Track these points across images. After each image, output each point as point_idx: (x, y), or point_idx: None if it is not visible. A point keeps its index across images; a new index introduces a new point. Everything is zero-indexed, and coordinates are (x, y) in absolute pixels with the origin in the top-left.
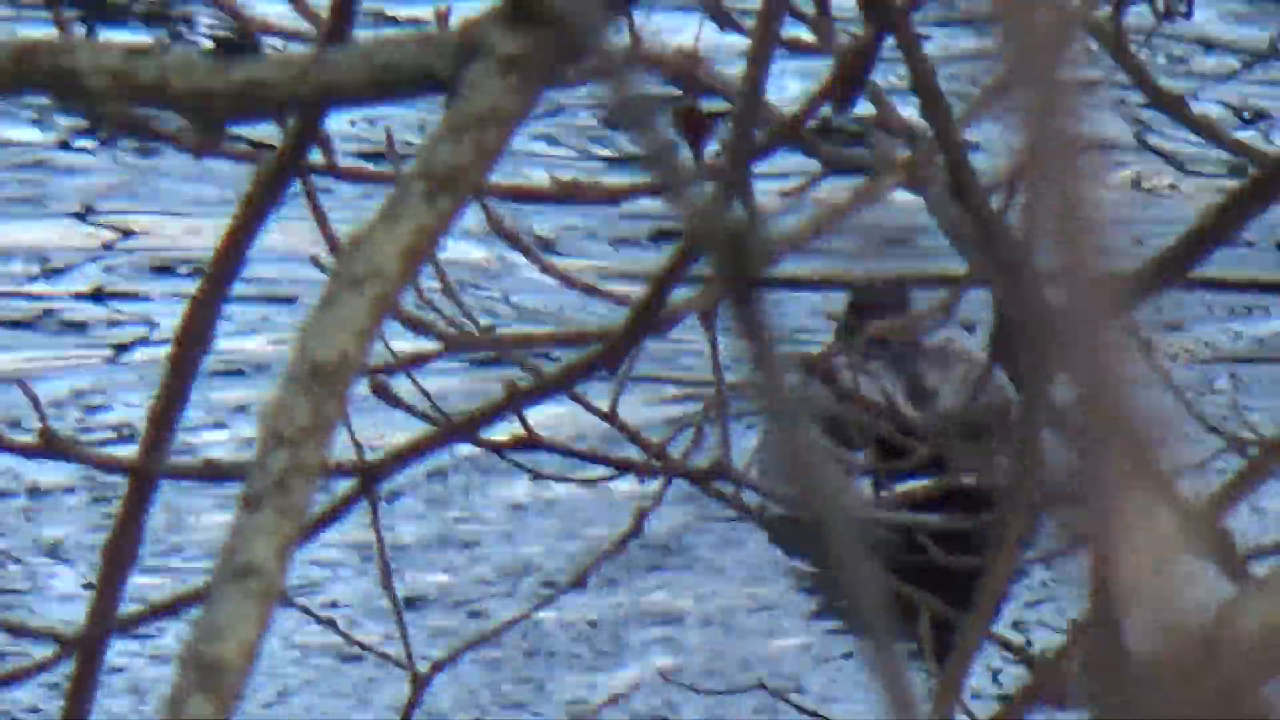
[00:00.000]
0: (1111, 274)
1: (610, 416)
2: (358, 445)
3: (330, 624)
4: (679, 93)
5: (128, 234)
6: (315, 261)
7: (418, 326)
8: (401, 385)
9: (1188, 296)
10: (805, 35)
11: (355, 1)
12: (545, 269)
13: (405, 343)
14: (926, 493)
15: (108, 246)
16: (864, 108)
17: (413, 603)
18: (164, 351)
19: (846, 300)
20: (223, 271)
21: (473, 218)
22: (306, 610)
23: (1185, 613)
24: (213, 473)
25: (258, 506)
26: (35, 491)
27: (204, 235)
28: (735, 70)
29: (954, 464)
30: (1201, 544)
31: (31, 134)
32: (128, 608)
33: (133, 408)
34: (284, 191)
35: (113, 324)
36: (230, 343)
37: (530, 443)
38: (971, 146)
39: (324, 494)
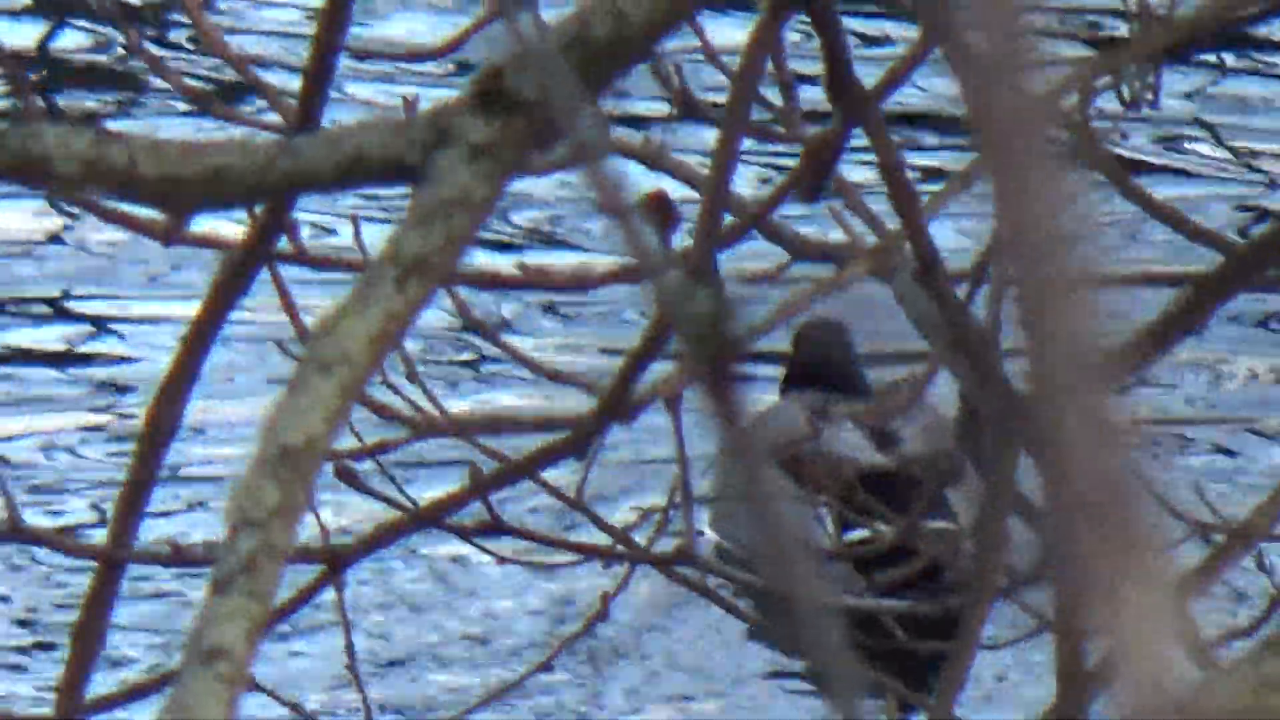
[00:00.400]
0: (1085, 355)
1: (577, 503)
2: (324, 530)
3: (295, 708)
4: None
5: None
6: (282, 348)
7: (384, 412)
8: (364, 467)
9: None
10: (773, 125)
11: (324, 90)
12: (515, 357)
13: (372, 428)
14: (879, 544)
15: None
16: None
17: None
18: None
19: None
20: (190, 355)
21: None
22: (273, 695)
23: (1166, 687)
24: (181, 558)
25: (226, 590)
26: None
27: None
28: (703, 160)
29: (915, 511)
30: (1173, 627)
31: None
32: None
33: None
34: (252, 278)
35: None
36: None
37: (496, 528)
38: (935, 236)
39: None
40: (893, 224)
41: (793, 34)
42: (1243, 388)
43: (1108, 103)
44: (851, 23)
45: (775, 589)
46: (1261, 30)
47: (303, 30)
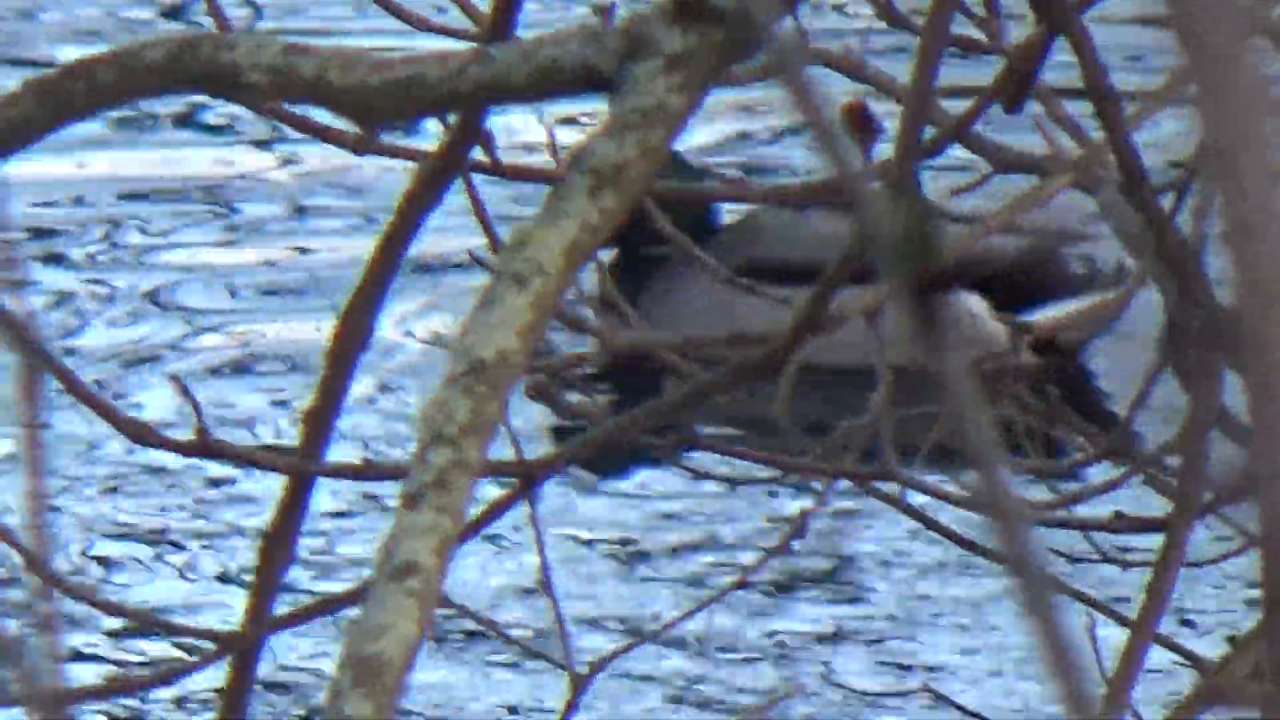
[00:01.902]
0: None
1: (776, 418)
2: (517, 444)
3: (490, 624)
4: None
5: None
6: (477, 259)
7: (578, 326)
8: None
9: None
10: (975, 34)
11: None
12: (707, 269)
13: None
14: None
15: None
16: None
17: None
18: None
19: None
20: (381, 268)
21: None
22: (465, 610)
23: None
24: (371, 472)
25: (417, 505)
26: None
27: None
28: (904, 69)
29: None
30: None
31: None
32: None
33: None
34: (445, 190)
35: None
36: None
37: (691, 443)
38: (1142, 146)
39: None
40: (1096, 135)
41: None
42: None
43: None
44: None
45: (980, 505)
46: None
47: None
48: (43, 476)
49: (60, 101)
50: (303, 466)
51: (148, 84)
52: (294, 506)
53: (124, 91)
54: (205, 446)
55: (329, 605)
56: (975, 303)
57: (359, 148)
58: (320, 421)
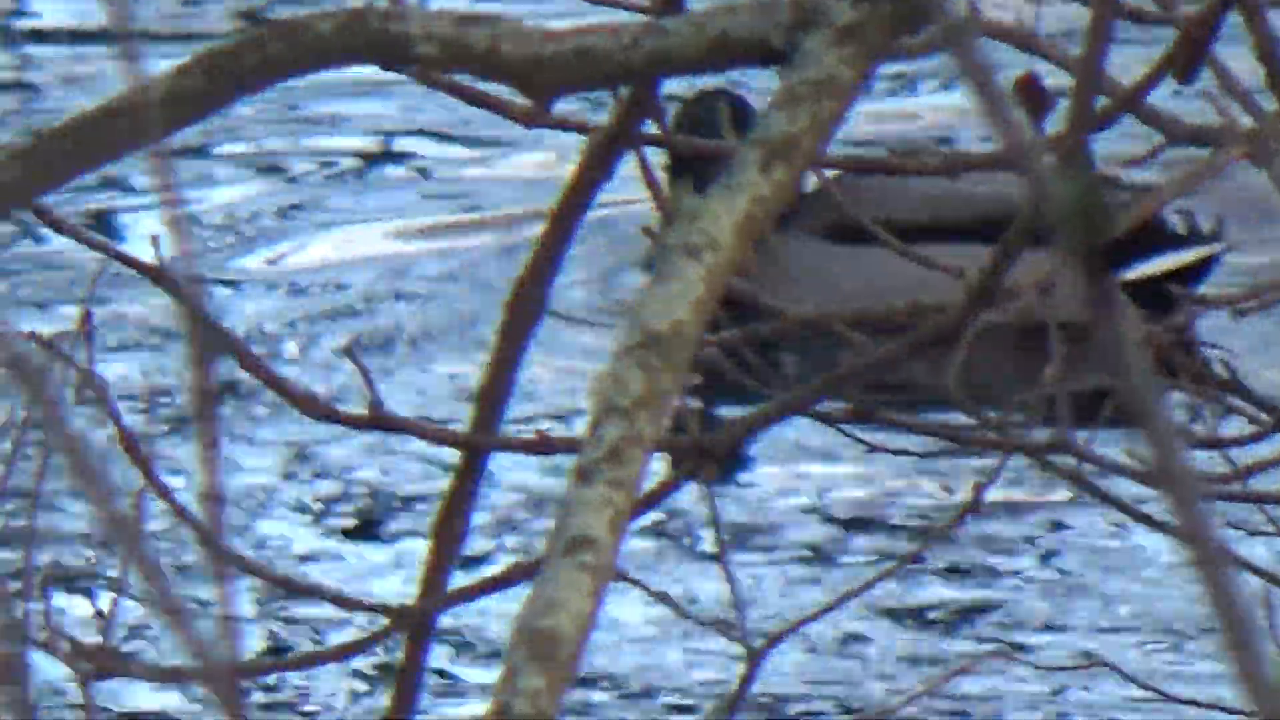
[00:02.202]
0: None
1: (950, 391)
2: (690, 420)
3: (664, 598)
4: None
5: None
6: (649, 232)
7: (754, 301)
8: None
9: None
10: (1147, 6)
11: None
12: (884, 243)
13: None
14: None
15: None
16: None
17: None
18: None
19: None
20: (555, 241)
21: None
22: (638, 584)
23: None
24: (545, 446)
25: (590, 479)
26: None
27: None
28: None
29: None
30: None
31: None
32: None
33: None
34: (616, 162)
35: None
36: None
37: (864, 415)
38: None
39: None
40: (1270, 106)
41: None
42: None
43: None
44: None
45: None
46: None
47: None
48: (216, 453)
49: (231, 75)
50: (476, 441)
51: (319, 55)
52: (468, 481)
53: (294, 64)
54: (378, 420)
55: (503, 579)
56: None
57: (530, 120)
58: (493, 396)
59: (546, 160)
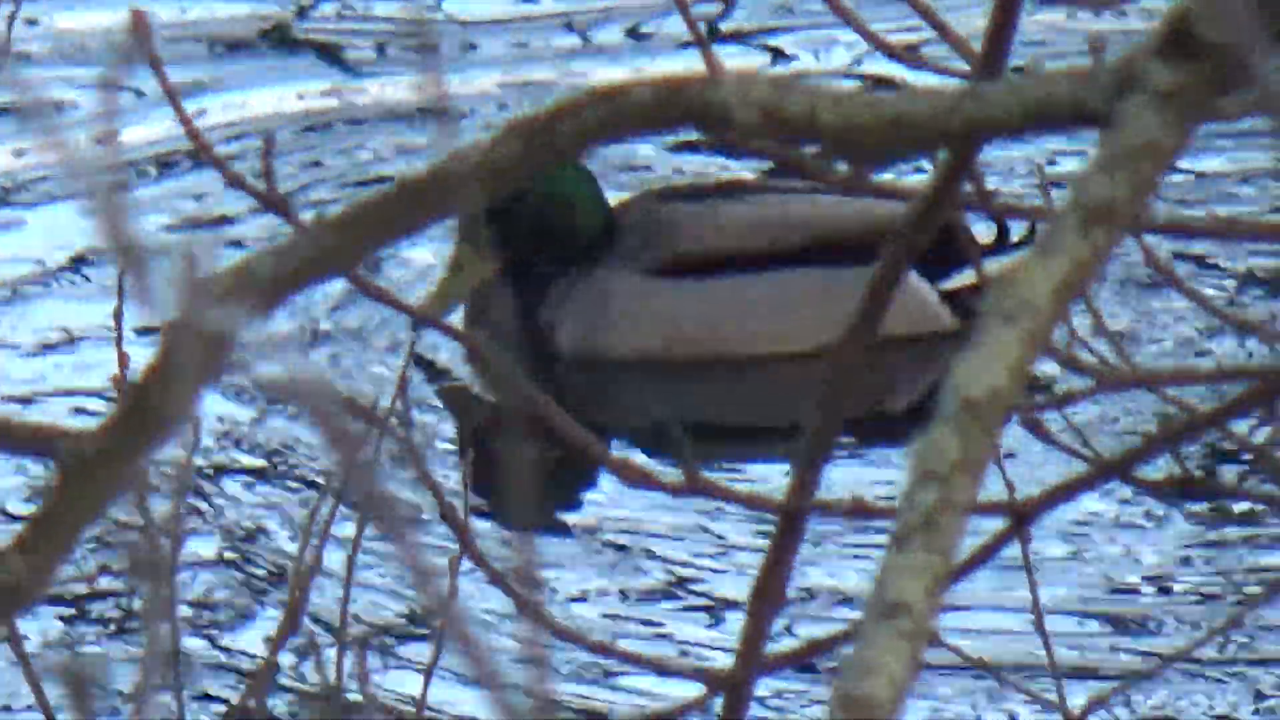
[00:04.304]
0: None
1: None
2: (1008, 483)
3: (981, 665)
4: None
5: None
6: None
7: (1069, 363)
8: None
9: None
10: None
11: (1009, 36)
12: (1202, 303)
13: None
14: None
15: None
16: None
17: (1060, 619)
18: None
19: None
20: (873, 306)
21: None
22: (956, 651)
23: None
24: (862, 510)
25: (906, 544)
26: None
27: None
28: None
29: None
30: None
31: None
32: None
33: None
34: (936, 227)
35: None
36: None
37: (1190, 483)
38: None
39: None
40: None
41: None
42: None
43: None
44: None
45: None
46: None
47: None
48: (530, 521)
49: (548, 142)
50: (794, 506)
51: (635, 123)
52: (785, 544)
53: (610, 131)
54: (695, 485)
55: (821, 645)
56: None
57: (848, 185)
58: (810, 460)
59: None
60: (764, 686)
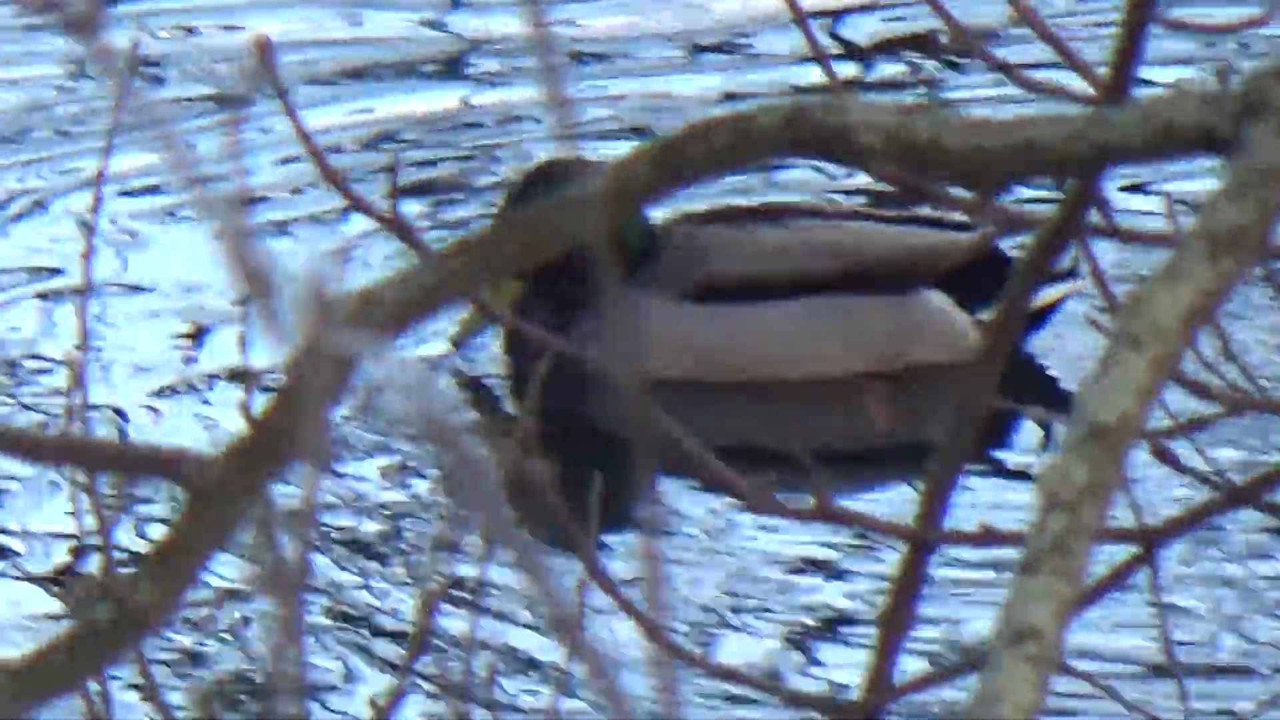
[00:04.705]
0: None
1: None
2: (1137, 509)
3: (1104, 688)
4: None
5: None
6: (1093, 322)
7: (1198, 389)
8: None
9: None
10: None
11: (1135, 60)
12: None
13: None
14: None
15: None
16: None
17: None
18: None
19: None
20: (1002, 331)
21: None
22: (1087, 678)
23: None
24: (990, 538)
25: (1035, 570)
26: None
27: None
28: None
29: None
30: None
31: None
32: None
33: None
34: (1062, 253)
35: None
36: None
37: None
38: None
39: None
40: None
41: None
42: None
43: None
44: None
45: None
46: None
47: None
48: (656, 547)
49: (676, 166)
50: (923, 533)
51: (761, 147)
52: (914, 572)
53: (739, 156)
54: (825, 512)
55: (949, 672)
56: (939, 299)
57: (973, 212)
58: (939, 487)
59: None
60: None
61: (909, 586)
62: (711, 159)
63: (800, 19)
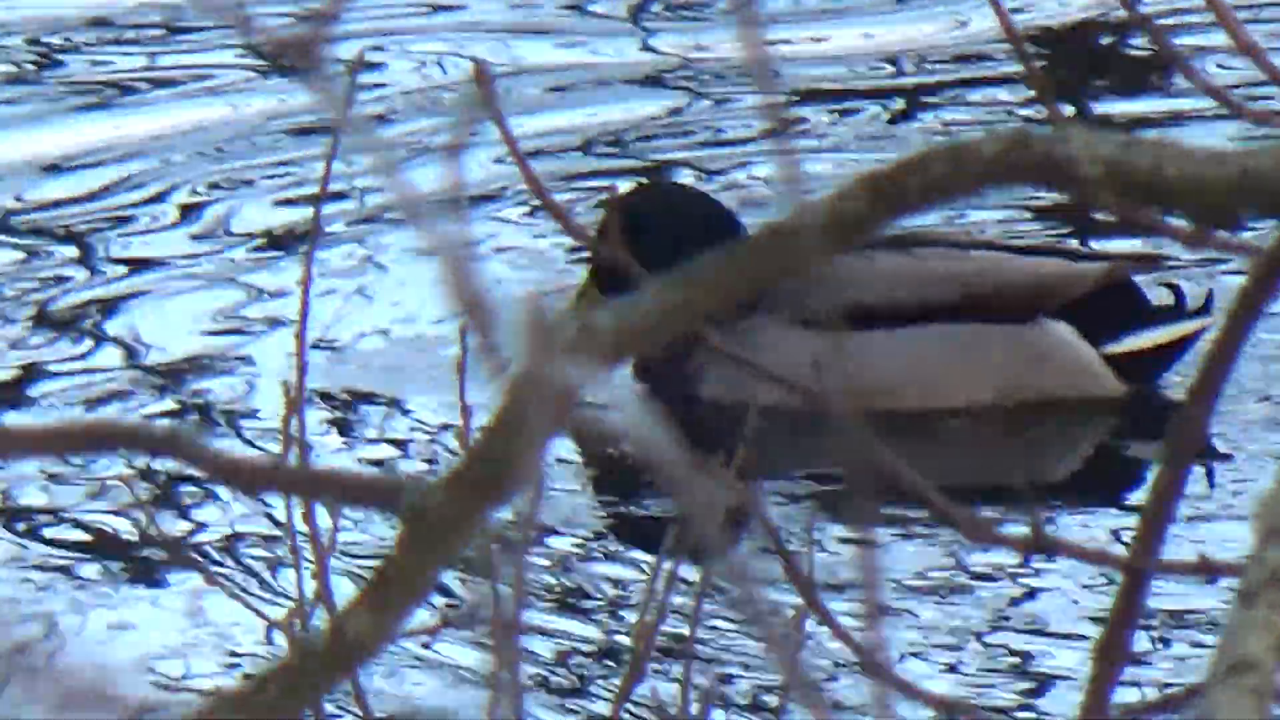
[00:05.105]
0: None
1: None
2: None
3: None
4: None
5: None
6: None
7: None
8: None
9: None
10: None
11: None
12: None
13: None
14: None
15: None
16: None
17: None
18: None
19: None
20: (1217, 367)
21: None
22: None
23: None
24: (1208, 569)
25: (1252, 602)
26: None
27: None
28: None
29: None
30: None
31: None
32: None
33: None
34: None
35: None
36: None
37: None
38: None
39: None
40: None
41: None
42: None
43: None
44: None
45: None
46: None
47: None
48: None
49: (894, 197)
50: (1139, 563)
51: (981, 177)
52: (1131, 603)
53: (957, 185)
54: (1042, 544)
55: (1166, 703)
56: (1064, 330)
57: (1193, 243)
58: (1155, 519)
59: None
60: None
61: (1125, 616)
62: (929, 190)
63: (1015, 42)
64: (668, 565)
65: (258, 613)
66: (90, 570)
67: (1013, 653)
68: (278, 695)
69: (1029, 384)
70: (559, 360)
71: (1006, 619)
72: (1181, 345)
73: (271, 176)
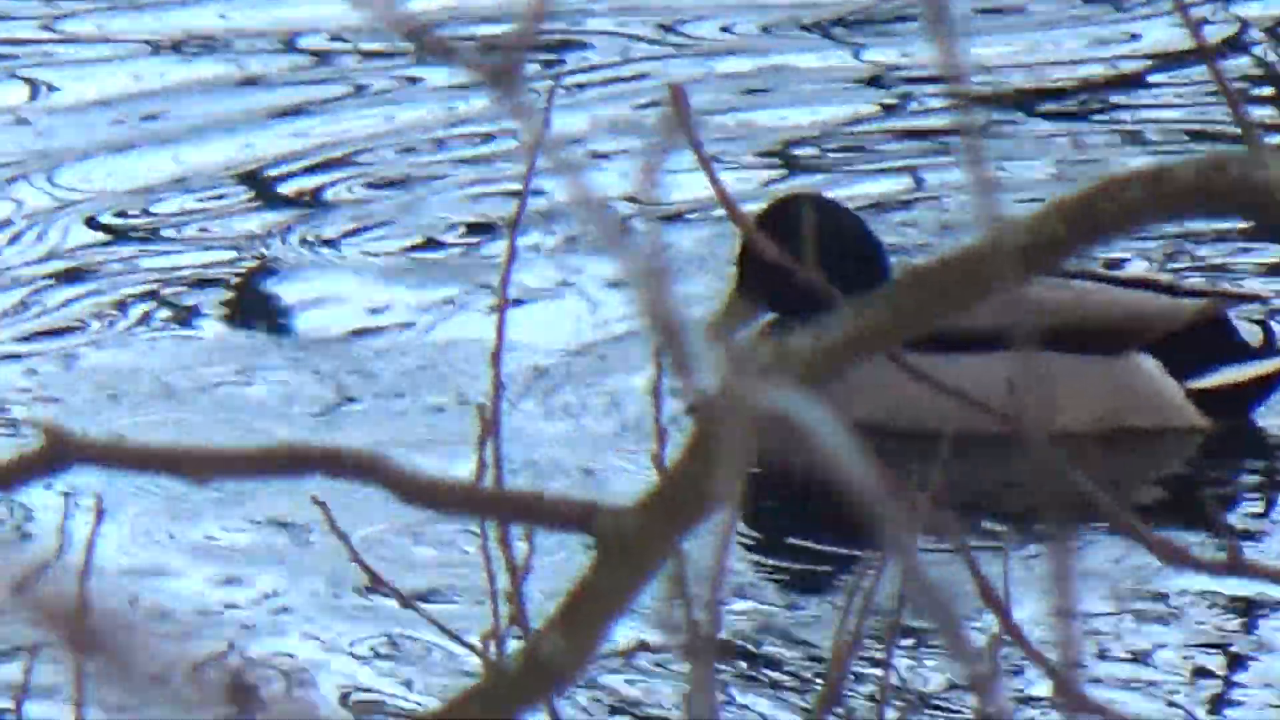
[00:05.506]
0: None
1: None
2: None
3: None
4: None
5: None
6: None
7: None
8: None
9: None
10: None
11: None
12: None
13: None
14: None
15: None
16: None
17: None
18: None
19: None
20: None
21: None
22: None
23: None
24: None
25: None
26: None
27: None
28: None
29: None
30: None
31: None
32: None
33: None
34: None
35: None
36: None
37: None
38: None
39: None
40: None
41: None
42: None
43: None
44: None
45: None
46: None
47: None
48: (1069, 583)
49: (1089, 221)
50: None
51: (1177, 202)
52: None
53: (1154, 210)
54: (1235, 565)
55: None
56: (1150, 364)
57: None
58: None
59: None
60: None
61: None
62: (1124, 215)
63: (1208, 59)
64: (864, 585)
65: (453, 635)
66: (294, 597)
67: (1202, 673)
68: (474, 718)
69: (1112, 417)
70: (755, 383)
71: (1197, 641)
72: (1272, 382)
73: (459, 186)
